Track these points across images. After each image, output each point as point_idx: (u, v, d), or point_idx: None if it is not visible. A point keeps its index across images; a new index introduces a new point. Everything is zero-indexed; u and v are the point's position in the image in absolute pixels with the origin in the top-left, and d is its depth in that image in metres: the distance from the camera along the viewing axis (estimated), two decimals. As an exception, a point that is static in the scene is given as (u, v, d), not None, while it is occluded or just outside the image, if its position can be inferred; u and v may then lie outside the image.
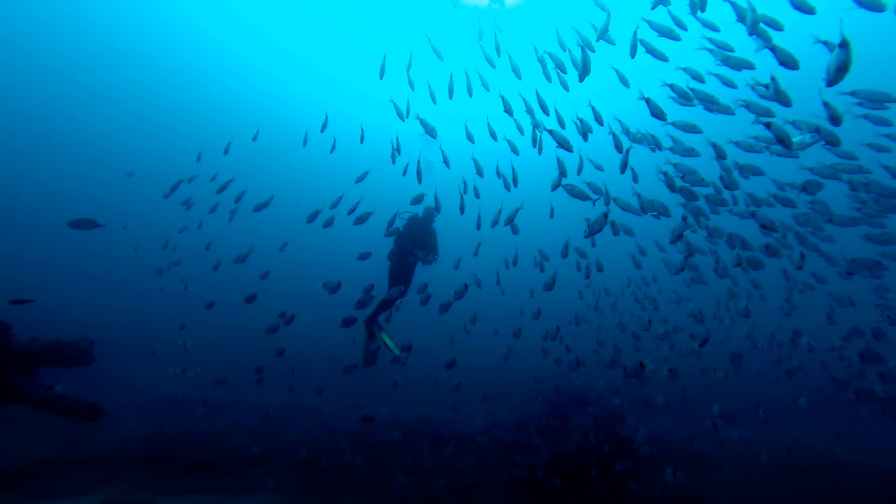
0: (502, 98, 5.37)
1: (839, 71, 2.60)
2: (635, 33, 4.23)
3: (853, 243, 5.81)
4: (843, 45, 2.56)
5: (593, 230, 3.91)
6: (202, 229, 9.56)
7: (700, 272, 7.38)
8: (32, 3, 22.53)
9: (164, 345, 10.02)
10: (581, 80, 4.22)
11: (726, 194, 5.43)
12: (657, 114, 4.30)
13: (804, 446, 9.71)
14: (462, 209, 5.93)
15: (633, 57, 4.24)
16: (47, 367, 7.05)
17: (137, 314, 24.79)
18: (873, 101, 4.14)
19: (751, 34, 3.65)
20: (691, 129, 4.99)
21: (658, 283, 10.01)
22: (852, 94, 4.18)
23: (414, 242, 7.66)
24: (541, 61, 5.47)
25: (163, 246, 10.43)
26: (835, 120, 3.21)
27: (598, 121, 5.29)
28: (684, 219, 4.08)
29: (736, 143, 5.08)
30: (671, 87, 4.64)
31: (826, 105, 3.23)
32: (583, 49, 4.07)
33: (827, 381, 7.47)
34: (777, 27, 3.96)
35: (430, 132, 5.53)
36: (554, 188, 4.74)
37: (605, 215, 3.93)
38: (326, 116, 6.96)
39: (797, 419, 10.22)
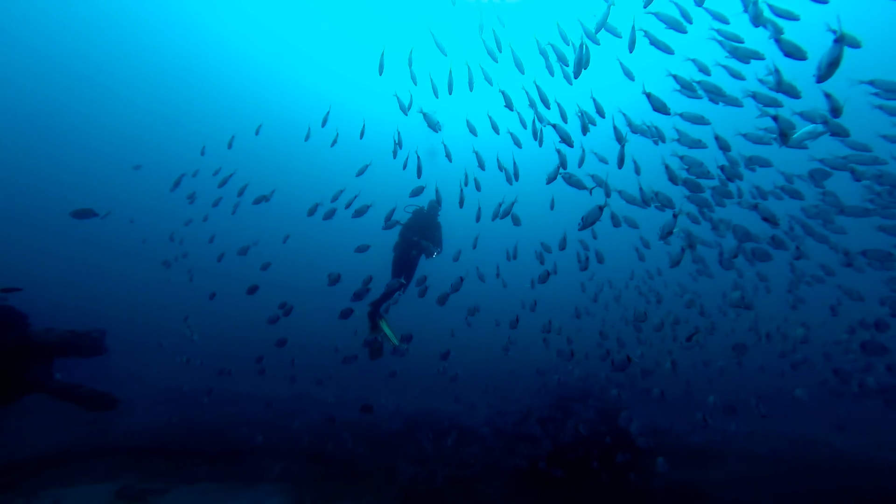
0: (503, 93, 5.34)
1: (830, 66, 2.53)
2: (633, 28, 4.15)
3: (867, 234, 5.71)
4: (839, 40, 2.48)
5: (587, 223, 3.89)
6: (207, 222, 9.68)
7: (706, 265, 7.30)
8: (41, -2, 22.63)
9: (170, 336, 10.21)
10: (576, 76, 4.16)
11: (732, 186, 5.35)
12: (659, 108, 4.24)
13: (807, 440, 9.66)
14: (461, 202, 5.93)
15: (631, 52, 4.16)
16: (62, 357, 7.22)
17: (145, 306, 25.25)
18: (891, 91, 4.01)
19: (755, 26, 3.56)
20: (699, 120, 4.90)
21: (663, 276, 9.92)
22: (871, 83, 4.06)
23: (419, 235, 7.68)
24: (543, 54, 5.40)
25: (169, 238, 10.59)
26: (835, 111, 3.14)
27: (600, 113, 5.22)
28: (675, 216, 4.03)
29: (744, 136, 4.98)
30: (675, 77, 4.55)
31: (827, 96, 3.16)
32: (581, 44, 4.00)
33: (830, 375, 7.41)
34: (791, 17, 3.84)
35: (433, 126, 5.51)
36: (550, 180, 4.71)
37: (601, 208, 3.90)
38: (329, 110, 6.96)
39: (801, 412, 10.15)
